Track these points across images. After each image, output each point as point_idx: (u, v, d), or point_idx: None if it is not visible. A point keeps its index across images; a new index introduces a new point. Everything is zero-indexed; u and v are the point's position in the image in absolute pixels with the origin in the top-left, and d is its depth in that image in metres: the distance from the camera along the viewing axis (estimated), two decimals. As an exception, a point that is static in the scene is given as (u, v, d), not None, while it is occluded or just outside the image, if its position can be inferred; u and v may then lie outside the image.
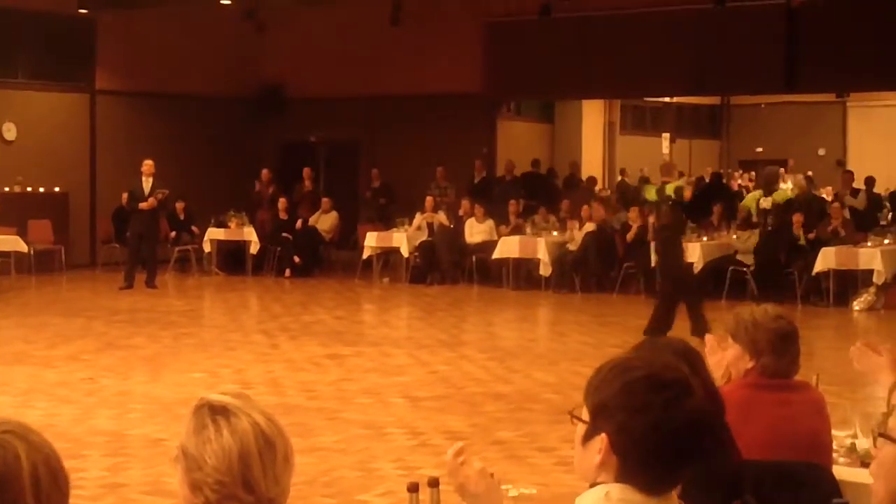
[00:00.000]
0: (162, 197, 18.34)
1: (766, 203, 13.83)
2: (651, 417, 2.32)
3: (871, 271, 16.32)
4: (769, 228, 13.89)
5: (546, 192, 22.41)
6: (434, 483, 3.34)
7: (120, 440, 8.65)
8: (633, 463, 2.34)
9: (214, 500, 2.37)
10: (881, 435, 2.29)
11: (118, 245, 20.43)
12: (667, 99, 29.41)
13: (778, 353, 4.23)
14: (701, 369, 3.45)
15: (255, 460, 2.37)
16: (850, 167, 25.45)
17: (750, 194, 14.49)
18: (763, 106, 30.72)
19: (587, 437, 2.41)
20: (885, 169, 24.53)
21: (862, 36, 18.61)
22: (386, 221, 21.13)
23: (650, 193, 14.02)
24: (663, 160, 30.11)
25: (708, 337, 4.65)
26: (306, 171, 22.14)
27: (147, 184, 18.31)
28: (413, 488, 3.34)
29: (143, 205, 18.21)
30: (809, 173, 26.71)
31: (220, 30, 22.81)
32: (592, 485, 2.40)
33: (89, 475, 7.65)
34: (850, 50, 18.58)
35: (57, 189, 21.13)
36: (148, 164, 18.42)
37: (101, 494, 7.27)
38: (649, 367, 2.41)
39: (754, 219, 14.07)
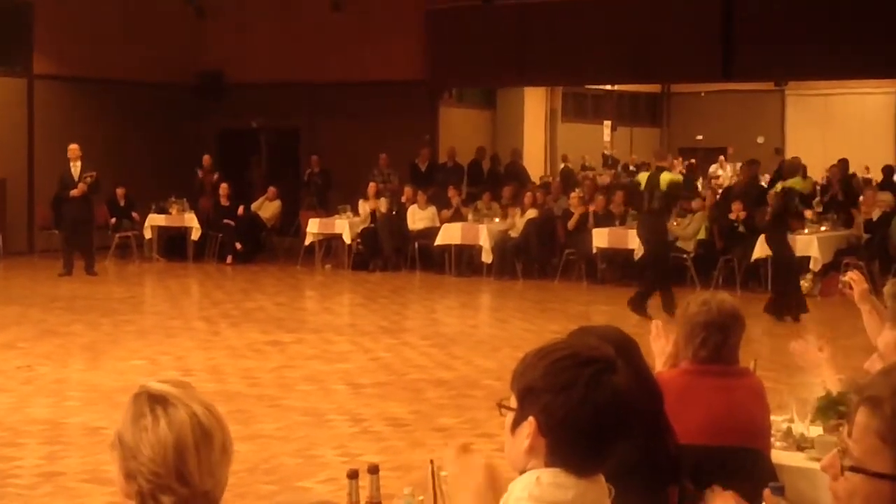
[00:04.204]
0: (91, 180, 17.86)
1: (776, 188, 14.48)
2: (575, 395, 2.34)
3: (808, 258, 16.50)
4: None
5: (489, 179, 22.47)
6: (374, 470, 3.34)
7: (57, 428, 8.56)
8: (560, 444, 2.36)
9: (148, 490, 2.36)
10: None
11: (57, 231, 20.18)
12: (608, 87, 29.58)
13: (702, 342, 4.27)
14: (634, 357, 3.44)
15: (190, 453, 2.35)
16: (787, 155, 25.69)
17: (776, 185, 15.17)
18: (703, 94, 30.99)
19: (515, 424, 2.43)
20: (822, 157, 24.84)
21: (798, 25, 18.78)
22: (326, 207, 21.06)
23: (642, 179, 14.61)
24: (605, 147, 30.41)
25: (654, 322, 4.70)
26: (255, 159, 22.11)
27: (75, 168, 17.93)
28: (353, 475, 3.34)
29: (73, 192, 17.84)
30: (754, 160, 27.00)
31: (159, 14, 22.59)
32: (522, 472, 2.41)
33: (26, 463, 7.58)
34: (786, 38, 18.74)
35: (-6, 175, 20.86)
36: (73, 149, 18.02)
37: (38, 483, 7.20)
38: (572, 347, 2.44)
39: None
